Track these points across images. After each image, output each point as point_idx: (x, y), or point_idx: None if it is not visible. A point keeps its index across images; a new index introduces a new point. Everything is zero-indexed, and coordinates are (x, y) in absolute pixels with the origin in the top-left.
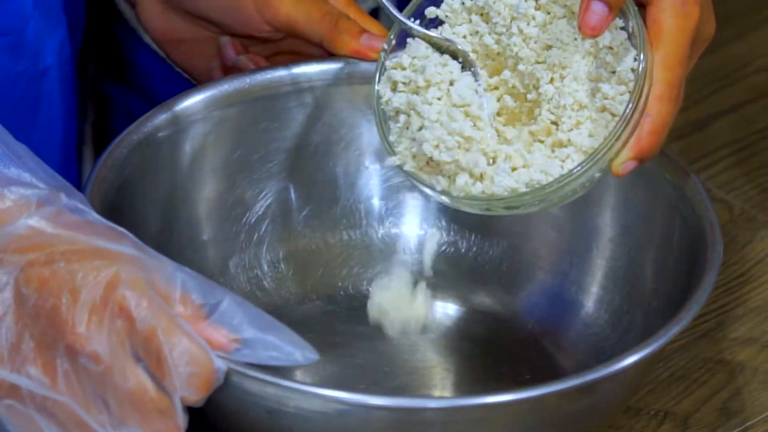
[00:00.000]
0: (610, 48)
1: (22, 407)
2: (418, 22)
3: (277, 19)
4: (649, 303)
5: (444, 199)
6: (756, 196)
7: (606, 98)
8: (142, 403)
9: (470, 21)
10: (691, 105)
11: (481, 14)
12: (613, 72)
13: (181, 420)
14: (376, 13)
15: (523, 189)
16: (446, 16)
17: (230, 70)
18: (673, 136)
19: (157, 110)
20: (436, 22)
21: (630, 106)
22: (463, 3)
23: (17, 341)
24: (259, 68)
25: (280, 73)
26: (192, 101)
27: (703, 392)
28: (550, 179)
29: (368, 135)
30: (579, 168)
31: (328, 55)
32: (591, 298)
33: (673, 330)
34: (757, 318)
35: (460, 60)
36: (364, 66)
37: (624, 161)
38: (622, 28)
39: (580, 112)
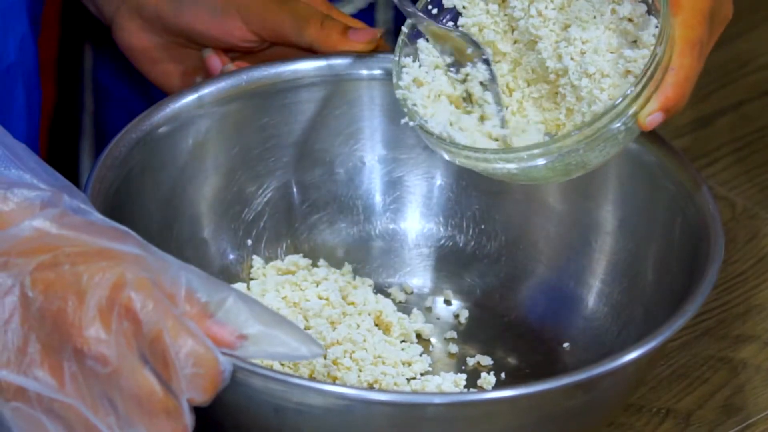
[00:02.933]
0: (630, 20)
1: (30, 409)
2: (436, 10)
3: (263, 28)
4: (650, 297)
5: (472, 155)
6: (758, 193)
7: (629, 61)
8: (149, 404)
9: (488, 12)
10: (693, 103)
11: (499, 3)
12: (635, 41)
13: (189, 421)
14: (362, 14)
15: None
16: (463, 7)
17: None
18: (675, 133)
19: (156, 107)
20: (453, 13)
21: (654, 57)
22: None
23: (23, 344)
24: (259, 65)
25: (280, 69)
26: (191, 98)
27: (704, 390)
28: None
29: (367, 130)
30: (604, 110)
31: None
32: (590, 291)
33: (677, 323)
34: (759, 316)
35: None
36: (364, 62)
37: (650, 112)
38: (642, 1)
39: (603, 80)
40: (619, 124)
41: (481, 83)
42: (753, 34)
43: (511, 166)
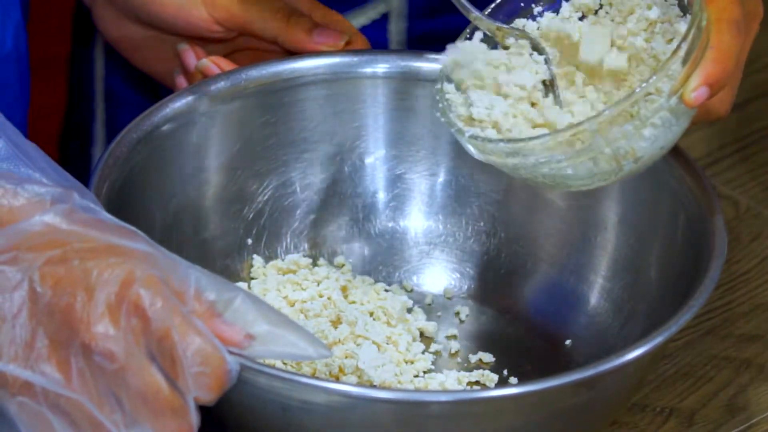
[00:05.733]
0: (666, 21)
1: (35, 405)
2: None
3: (229, 19)
4: (653, 294)
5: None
6: (761, 192)
7: (664, 54)
8: (155, 402)
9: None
10: None
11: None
12: (672, 38)
13: (194, 419)
14: (375, 24)
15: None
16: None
17: (193, 76)
18: None
19: (157, 107)
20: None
21: (689, 31)
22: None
23: (31, 339)
24: (258, 63)
25: (280, 67)
26: (192, 97)
27: (708, 389)
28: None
29: (368, 128)
30: (648, 82)
31: (285, 51)
32: (592, 288)
33: (683, 319)
34: (762, 315)
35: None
36: (364, 59)
37: (694, 87)
38: (673, 4)
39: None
40: (661, 101)
41: (544, 83)
42: (758, 34)
43: (559, 156)
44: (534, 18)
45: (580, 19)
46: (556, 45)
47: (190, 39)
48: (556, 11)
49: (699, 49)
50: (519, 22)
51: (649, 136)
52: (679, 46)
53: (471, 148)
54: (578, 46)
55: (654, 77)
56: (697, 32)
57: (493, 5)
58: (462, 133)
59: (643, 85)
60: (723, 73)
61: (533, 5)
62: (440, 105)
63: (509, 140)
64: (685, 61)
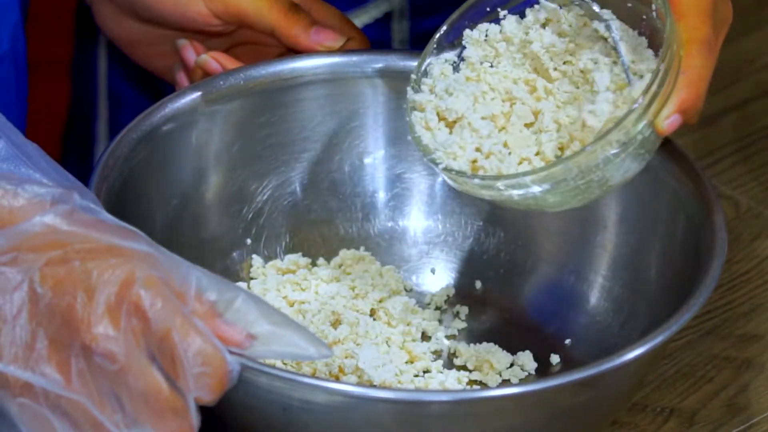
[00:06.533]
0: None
1: (36, 406)
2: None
3: (226, 12)
4: (653, 293)
5: (486, 187)
6: (762, 192)
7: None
8: (156, 402)
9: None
10: None
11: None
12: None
13: (195, 420)
14: (378, 24)
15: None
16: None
17: (193, 72)
18: (678, 132)
19: (157, 107)
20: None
21: (662, 64)
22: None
23: (31, 340)
24: (258, 63)
25: (279, 67)
26: (192, 96)
27: (708, 389)
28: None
29: (367, 127)
30: (628, 112)
31: (284, 46)
32: (591, 287)
33: (684, 318)
34: (763, 315)
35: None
36: (363, 59)
37: (667, 115)
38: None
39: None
40: (635, 130)
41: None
42: (758, 33)
43: (537, 188)
44: (498, 22)
45: (543, 26)
46: (521, 50)
47: (189, 34)
48: (521, 14)
49: (672, 74)
50: (483, 27)
51: (621, 165)
52: (655, 74)
53: (446, 178)
54: (539, 56)
55: (636, 105)
56: (671, 57)
57: (458, 11)
58: (435, 162)
59: (624, 115)
60: (696, 99)
61: (499, 9)
62: (415, 135)
63: (483, 177)
64: (659, 88)
